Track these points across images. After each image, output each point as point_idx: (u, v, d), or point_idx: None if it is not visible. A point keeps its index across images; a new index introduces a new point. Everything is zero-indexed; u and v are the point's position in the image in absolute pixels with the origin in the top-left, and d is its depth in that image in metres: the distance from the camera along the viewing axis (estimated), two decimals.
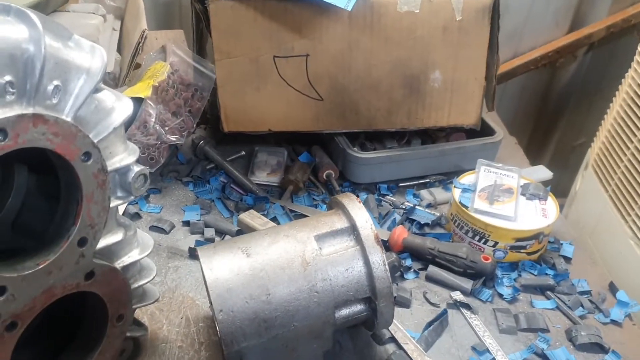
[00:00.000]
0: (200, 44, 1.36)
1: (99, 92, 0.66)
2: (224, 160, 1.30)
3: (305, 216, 1.16)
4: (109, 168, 0.67)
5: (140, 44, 1.23)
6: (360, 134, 1.31)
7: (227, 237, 1.11)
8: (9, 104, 0.54)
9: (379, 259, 0.79)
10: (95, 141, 0.63)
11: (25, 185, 0.76)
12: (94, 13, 1.40)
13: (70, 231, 0.65)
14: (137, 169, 0.71)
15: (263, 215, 1.14)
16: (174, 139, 1.19)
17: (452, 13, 1.14)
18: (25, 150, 0.57)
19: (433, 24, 1.15)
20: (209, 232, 1.11)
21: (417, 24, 1.14)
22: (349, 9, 1.02)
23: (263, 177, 1.29)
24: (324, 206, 1.21)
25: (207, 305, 0.96)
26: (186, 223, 1.14)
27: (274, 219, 1.15)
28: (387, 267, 0.78)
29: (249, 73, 1.17)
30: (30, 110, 0.56)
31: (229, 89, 1.19)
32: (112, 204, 0.69)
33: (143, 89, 1.21)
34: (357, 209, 0.83)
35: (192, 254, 1.06)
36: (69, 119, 0.60)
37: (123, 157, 0.70)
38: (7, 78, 0.54)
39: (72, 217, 0.65)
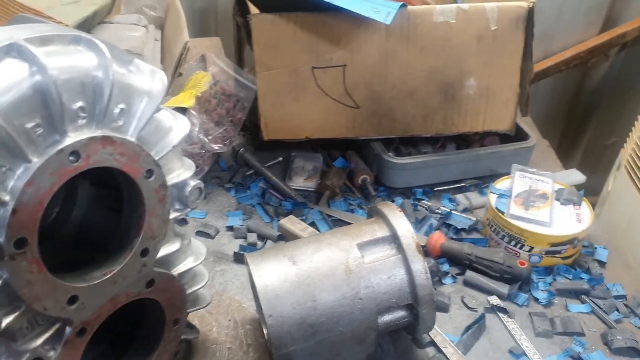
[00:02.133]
0: (239, 54, 1.40)
1: (158, 112, 0.70)
2: (263, 167, 1.34)
3: (343, 221, 1.20)
4: (168, 183, 0.71)
5: (184, 56, 1.28)
6: (395, 138, 1.34)
7: (269, 242, 1.16)
8: (80, 127, 0.59)
9: (420, 267, 0.82)
10: (156, 159, 0.68)
11: (87, 199, 0.81)
12: (136, 24, 1.45)
13: (133, 243, 0.70)
14: (193, 183, 0.75)
15: (302, 220, 1.18)
16: (217, 148, 1.24)
17: (487, 23, 1.16)
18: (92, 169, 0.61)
19: (468, 33, 1.18)
20: (252, 237, 1.16)
21: (453, 33, 1.17)
22: (388, 22, 1.06)
23: (300, 182, 1.33)
24: (360, 211, 1.25)
25: (253, 308, 1.00)
26: (230, 228, 1.19)
27: (313, 224, 1.19)
28: (428, 275, 0.82)
29: (287, 84, 1.21)
30: (99, 133, 0.60)
31: (269, 100, 1.23)
32: (170, 216, 0.74)
33: (186, 99, 1.25)
34: (398, 218, 0.86)
35: (237, 258, 1.10)
36: (133, 140, 0.65)
37: (180, 172, 0.75)
38: (79, 104, 0.58)
39: (135, 229, 0.70)
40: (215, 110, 1.25)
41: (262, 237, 1.17)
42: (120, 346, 0.83)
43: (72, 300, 0.63)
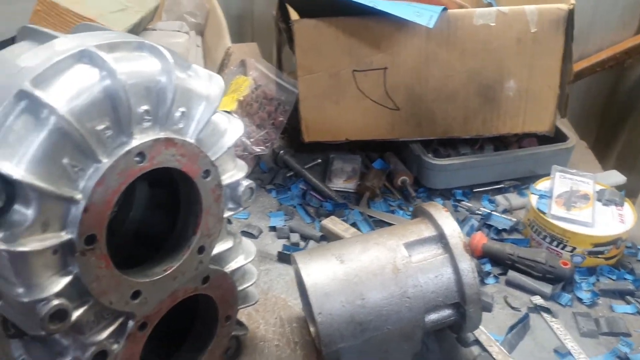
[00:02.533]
0: (279, 58, 1.43)
1: (215, 115, 0.72)
2: (303, 168, 1.36)
3: (384, 222, 1.22)
4: (223, 183, 0.74)
5: (226, 61, 1.31)
6: (434, 140, 1.35)
7: (312, 242, 1.18)
8: (145, 130, 0.62)
9: (467, 266, 0.83)
10: (213, 160, 0.70)
11: (145, 199, 0.84)
12: (178, 31, 1.49)
13: (191, 240, 0.72)
14: (245, 183, 0.78)
15: (343, 221, 1.20)
16: (258, 150, 1.27)
17: (527, 25, 1.17)
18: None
19: (508, 36, 1.19)
20: (295, 237, 1.18)
21: (492, 36, 1.18)
22: (431, 26, 1.07)
23: (340, 183, 1.35)
24: (401, 212, 1.26)
25: (298, 306, 1.02)
26: (272, 228, 1.21)
27: (354, 225, 1.21)
28: (476, 274, 0.83)
29: (328, 87, 1.23)
30: (162, 135, 0.63)
31: (310, 103, 1.25)
32: (224, 215, 0.77)
33: (228, 103, 1.28)
34: (445, 218, 0.88)
35: (281, 258, 1.13)
36: (192, 141, 0.67)
37: (234, 173, 0.77)
38: (145, 107, 0.61)
39: (193, 227, 0.73)
40: (257, 113, 1.28)
41: (305, 238, 1.19)
42: (175, 342, 0.86)
43: (136, 295, 0.66)
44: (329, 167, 1.39)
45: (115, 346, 0.68)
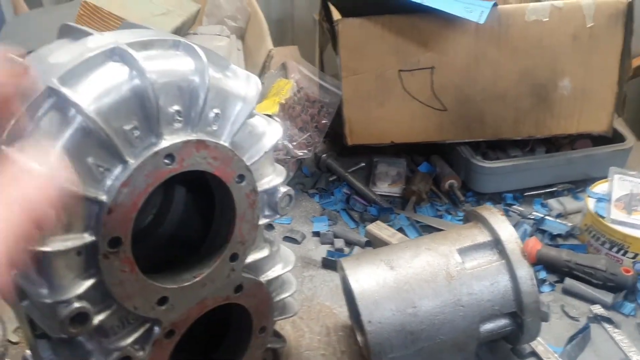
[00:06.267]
0: (321, 60, 1.40)
1: (252, 117, 0.70)
2: (346, 172, 1.33)
3: (432, 227, 1.18)
4: (259, 189, 0.70)
5: (267, 63, 1.29)
6: (482, 142, 1.30)
7: (357, 247, 1.14)
8: (176, 131, 0.59)
9: (526, 274, 0.79)
10: (249, 164, 0.67)
11: (183, 203, 0.82)
12: (219, 35, 1.48)
13: (223, 247, 0.69)
14: (283, 189, 0.74)
15: (389, 226, 1.16)
16: (301, 154, 1.24)
17: (583, 20, 1.12)
18: (187, 172, 0.61)
19: (562, 32, 1.13)
20: (339, 243, 1.15)
21: (546, 32, 1.13)
22: (482, 22, 1.03)
23: (384, 188, 1.31)
24: (449, 216, 1.22)
25: (344, 314, 0.99)
26: (316, 233, 1.18)
27: (401, 230, 1.17)
28: (534, 281, 0.78)
29: (373, 88, 1.20)
30: (194, 137, 0.60)
31: (354, 105, 1.22)
32: (260, 222, 0.73)
33: (270, 106, 1.26)
34: (500, 222, 0.84)
35: (326, 264, 1.09)
36: (226, 144, 0.64)
37: (272, 178, 0.74)
38: (176, 107, 0.59)
39: (225, 234, 0.70)
40: (300, 116, 1.25)
41: (349, 243, 1.16)
42: (208, 352, 0.84)
43: (162, 301, 0.64)
44: (373, 171, 1.36)
45: (140, 353, 0.65)
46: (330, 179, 1.35)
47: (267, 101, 1.30)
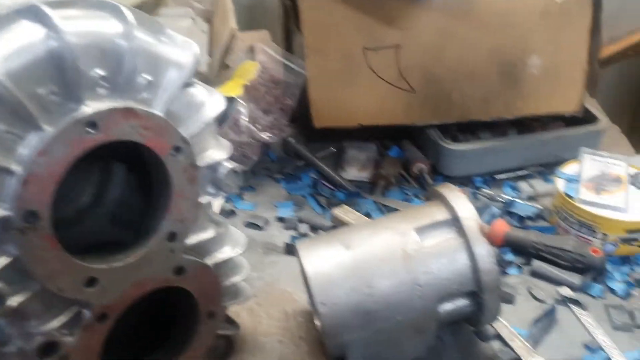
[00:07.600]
0: (288, 41, 1.37)
1: (191, 87, 0.66)
2: (314, 157, 1.30)
3: (399, 211, 1.14)
4: (200, 164, 0.67)
5: (231, 44, 1.25)
6: (452, 126, 1.26)
7: (322, 232, 1.11)
8: (100, 97, 0.56)
9: (483, 251, 0.76)
10: (186, 136, 0.64)
11: (123, 181, 0.77)
12: (183, 17, 1.44)
13: (159, 225, 0.65)
14: (228, 165, 0.71)
15: (356, 210, 1.13)
16: (266, 137, 1.20)
17: None
18: (122, 146, 0.58)
19: (531, 8, 1.11)
20: (303, 228, 1.11)
21: (514, 8, 1.10)
22: None
23: (354, 173, 1.27)
24: (418, 201, 1.19)
25: (305, 300, 0.95)
26: (280, 219, 1.14)
27: (367, 214, 1.14)
28: (493, 259, 0.75)
29: (339, 68, 1.16)
30: (122, 104, 0.57)
31: (319, 85, 1.18)
32: (203, 200, 0.70)
33: (233, 88, 1.22)
34: (459, 200, 0.80)
35: (289, 249, 1.06)
36: (159, 113, 0.61)
37: (214, 153, 0.70)
38: (99, 72, 0.55)
39: (161, 211, 0.66)
40: (264, 98, 1.22)
41: (315, 228, 1.12)
42: (160, 339, 0.80)
43: (91, 282, 0.60)
44: (342, 156, 1.32)
45: (68, 338, 0.61)
46: (298, 164, 1.31)
47: (231, 83, 1.26)
